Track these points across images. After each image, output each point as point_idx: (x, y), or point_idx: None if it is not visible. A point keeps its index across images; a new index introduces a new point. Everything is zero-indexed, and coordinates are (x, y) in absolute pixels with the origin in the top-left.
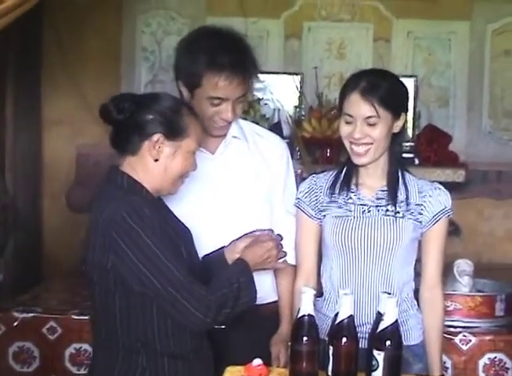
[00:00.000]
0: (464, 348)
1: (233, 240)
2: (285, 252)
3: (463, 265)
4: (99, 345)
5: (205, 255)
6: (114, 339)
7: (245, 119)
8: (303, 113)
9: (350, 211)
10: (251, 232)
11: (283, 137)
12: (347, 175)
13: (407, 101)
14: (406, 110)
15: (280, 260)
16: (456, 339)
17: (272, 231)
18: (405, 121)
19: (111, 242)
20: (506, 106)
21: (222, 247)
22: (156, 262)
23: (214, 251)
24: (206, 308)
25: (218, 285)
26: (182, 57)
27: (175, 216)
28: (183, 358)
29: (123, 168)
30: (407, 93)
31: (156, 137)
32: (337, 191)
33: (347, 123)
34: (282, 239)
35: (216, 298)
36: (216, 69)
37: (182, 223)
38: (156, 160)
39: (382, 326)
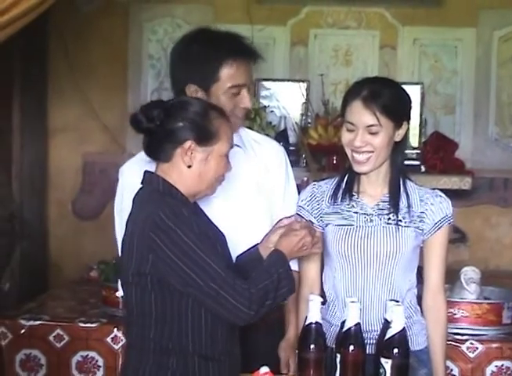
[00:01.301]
0: (471, 355)
1: (265, 235)
2: (318, 237)
3: (470, 273)
4: (131, 347)
5: (239, 255)
6: (146, 340)
7: (250, 127)
8: (309, 120)
9: (352, 220)
10: (278, 221)
11: (289, 145)
12: (348, 183)
13: (409, 109)
14: (409, 119)
15: (316, 246)
16: (463, 347)
17: (299, 216)
18: (408, 129)
19: (149, 242)
20: None
21: (256, 245)
22: (196, 258)
23: (247, 250)
24: (249, 301)
25: (259, 278)
26: (189, 61)
27: (209, 219)
28: (214, 360)
29: (157, 173)
30: (410, 102)
31: (187, 144)
32: (338, 199)
33: (349, 131)
34: (313, 224)
35: (258, 291)
36: (230, 58)
37: (216, 226)
38: (190, 166)
39: (389, 334)
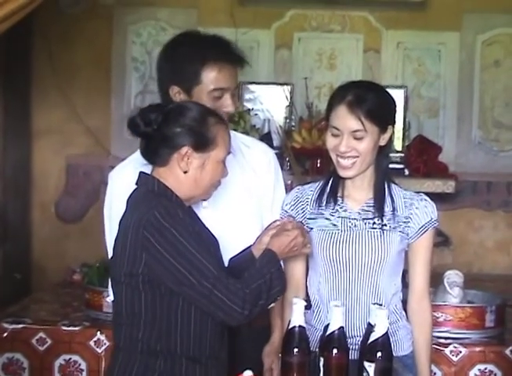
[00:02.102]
0: (455, 359)
1: (257, 237)
2: (309, 238)
3: (454, 277)
4: (119, 348)
5: (232, 257)
6: (134, 341)
7: (235, 130)
8: (293, 123)
9: (337, 224)
10: (271, 223)
11: (273, 148)
12: (333, 187)
13: (394, 114)
14: (393, 123)
15: (306, 246)
16: (447, 350)
17: (291, 217)
18: (392, 133)
19: (143, 241)
20: (495, 116)
21: (248, 247)
22: (190, 257)
23: (240, 252)
24: (242, 301)
25: (251, 278)
26: (173, 62)
27: (203, 224)
28: (201, 363)
29: (153, 175)
30: (394, 106)
31: (184, 150)
32: (323, 204)
33: (334, 135)
34: (304, 225)
35: (251, 291)
36: (213, 61)
37: (209, 231)
38: (186, 172)
39: (373, 337)
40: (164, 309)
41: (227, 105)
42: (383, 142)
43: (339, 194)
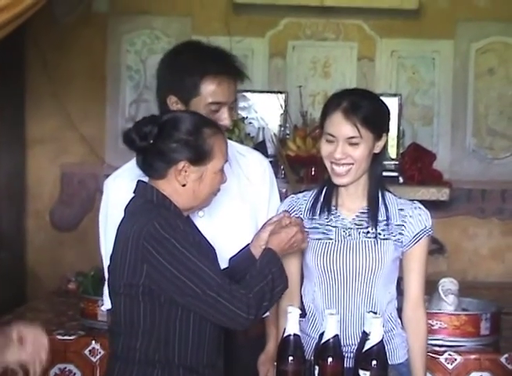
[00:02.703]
0: (450, 367)
1: (255, 234)
2: (308, 232)
3: (448, 284)
4: (116, 357)
5: (231, 257)
6: (132, 351)
7: (229, 138)
8: (287, 131)
9: (331, 234)
10: (269, 220)
11: (267, 156)
12: (327, 195)
13: (388, 121)
14: (388, 131)
15: (305, 242)
16: (442, 358)
17: (287, 212)
18: (386, 141)
19: (144, 252)
20: (490, 124)
21: (247, 245)
22: (193, 267)
23: (239, 251)
24: (247, 306)
25: (253, 280)
26: (173, 71)
27: (202, 234)
28: (198, 372)
29: (151, 184)
30: (389, 113)
31: (181, 165)
32: (317, 213)
33: (329, 142)
34: (302, 220)
35: (254, 295)
36: (213, 75)
37: (208, 241)
38: (184, 185)
39: (368, 345)
40: (163, 318)
41: (223, 119)
42: (377, 150)
43: (333, 203)
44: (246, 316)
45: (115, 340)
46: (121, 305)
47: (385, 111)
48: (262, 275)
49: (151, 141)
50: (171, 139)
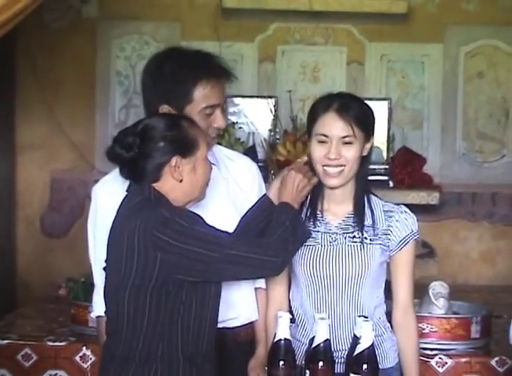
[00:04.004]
0: (440, 370)
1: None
2: (310, 172)
3: (439, 288)
4: (111, 360)
5: (247, 211)
6: (132, 352)
7: (219, 143)
8: (277, 136)
9: (317, 239)
10: (274, 180)
11: (257, 161)
12: (312, 201)
13: (374, 124)
14: (373, 134)
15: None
16: (432, 361)
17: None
18: (372, 145)
19: (156, 241)
20: (479, 128)
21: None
22: (204, 237)
23: (256, 202)
24: (272, 250)
25: (271, 230)
26: (162, 82)
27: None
28: (197, 363)
29: None
30: (374, 117)
31: (174, 161)
32: (303, 218)
33: (321, 143)
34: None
35: (276, 239)
36: (205, 80)
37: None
38: (181, 180)
39: (358, 349)
40: (168, 311)
41: (218, 120)
42: (365, 152)
43: (319, 208)
44: (275, 259)
45: (114, 341)
46: (125, 305)
47: (372, 114)
48: (279, 222)
49: (137, 150)
50: (156, 140)
